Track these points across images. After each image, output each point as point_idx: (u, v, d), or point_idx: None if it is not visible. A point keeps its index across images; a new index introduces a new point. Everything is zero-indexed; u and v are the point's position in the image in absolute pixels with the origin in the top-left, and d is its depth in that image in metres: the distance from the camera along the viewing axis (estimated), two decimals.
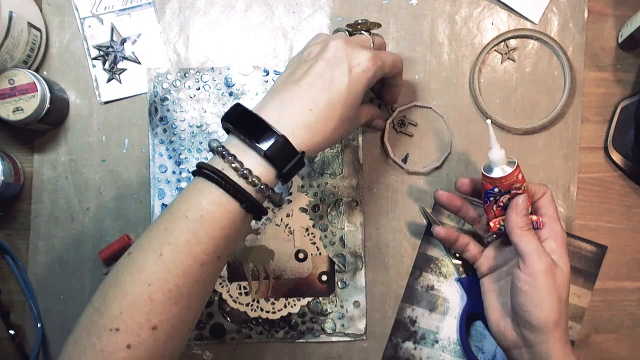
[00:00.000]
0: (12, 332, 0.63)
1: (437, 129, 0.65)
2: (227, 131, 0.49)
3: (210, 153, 0.48)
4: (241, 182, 0.45)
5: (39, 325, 0.62)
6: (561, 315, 0.50)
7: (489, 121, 0.54)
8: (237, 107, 0.48)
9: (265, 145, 0.45)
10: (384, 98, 0.62)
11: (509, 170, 0.52)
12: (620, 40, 0.64)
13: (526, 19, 0.65)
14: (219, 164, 0.46)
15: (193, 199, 0.45)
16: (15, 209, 0.64)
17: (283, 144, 0.46)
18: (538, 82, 0.65)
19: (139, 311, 0.42)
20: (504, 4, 0.65)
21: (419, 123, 0.65)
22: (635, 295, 0.64)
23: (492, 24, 0.65)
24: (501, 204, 0.54)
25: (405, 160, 0.65)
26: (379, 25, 0.54)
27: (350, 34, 0.53)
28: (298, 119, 0.47)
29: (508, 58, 0.65)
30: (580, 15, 0.65)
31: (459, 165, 0.64)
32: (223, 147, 0.46)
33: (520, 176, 0.53)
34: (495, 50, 0.65)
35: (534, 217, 0.54)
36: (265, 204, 0.48)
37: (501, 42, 0.65)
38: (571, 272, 0.63)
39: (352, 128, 0.53)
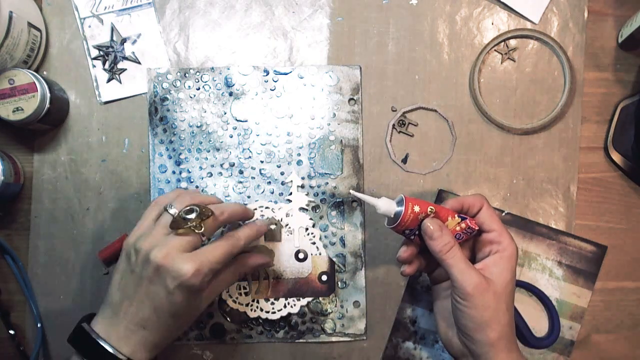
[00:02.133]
0: (12, 332, 0.63)
1: (440, 131, 0.65)
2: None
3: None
4: None
5: (39, 325, 0.62)
6: (502, 328, 0.50)
7: (352, 191, 0.55)
8: (79, 328, 0.51)
9: None
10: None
11: (401, 210, 0.51)
12: (620, 40, 0.64)
13: (526, 19, 0.65)
14: None
15: None
16: (15, 209, 0.64)
17: None
18: (538, 82, 0.65)
19: None
20: (504, 4, 0.65)
21: (422, 125, 0.65)
22: (635, 295, 0.64)
23: (492, 24, 0.65)
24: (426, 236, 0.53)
25: (405, 160, 0.65)
26: (210, 213, 0.52)
27: (178, 227, 0.51)
28: (138, 341, 0.50)
29: (508, 58, 0.65)
30: (580, 15, 0.65)
31: (459, 165, 0.64)
32: None
33: (416, 208, 0.51)
34: (495, 50, 0.65)
35: (462, 225, 0.53)
36: None
37: (501, 42, 0.65)
38: (571, 272, 0.63)
39: (198, 314, 0.54)
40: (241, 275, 0.57)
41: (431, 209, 0.52)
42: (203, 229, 0.51)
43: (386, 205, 0.52)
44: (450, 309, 0.53)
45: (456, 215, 0.53)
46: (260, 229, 0.58)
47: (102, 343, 0.49)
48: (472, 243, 0.56)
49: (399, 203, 0.52)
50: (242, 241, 0.54)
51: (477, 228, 0.53)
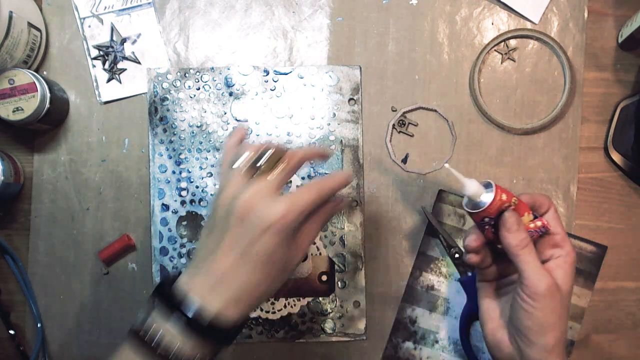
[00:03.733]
0: (12, 332, 0.63)
1: (440, 131, 0.65)
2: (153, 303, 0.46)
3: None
4: None
5: (39, 325, 0.62)
6: (561, 335, 0.49)
7: (447, 165, 0.51)
8: (167, 277, 0.47)
9: (187, 318, 0.43)
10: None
11: (490, 198, 0.49)
12: (620, 40, 0.64)
13: (526, 19, 0.65)
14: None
15: None
16: (15, 209, 0.64)
17: (210, 319, 0.44)
18: (538, 82, 0.65)
19: None
20: (504, 4, 0.65)
21: (422, 125, 0.65)
22: (635, 295, 0.64)
23: (492, 24, 0.65)
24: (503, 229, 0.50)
25: (405, 160, 0.65)
26: (283, 152, 0.49)
27: (255, 172, 0.48)
28: (225, 295, 0.44)
29: (508, 58, 0.65)
30: (580, 15, 0.65)
31: (459, 165, 0.64)
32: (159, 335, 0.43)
33: (504, 197, 0.49)
34: (495, 50, 0.65)
35: (538, 223, 0.50)
36: None
37: (501, 42, 0.65)
38: None
39: (293, 266, 0.49)
40: (327, 220, 0.53)
41: (515, 200, 0.49)
42: (281, 168, 0.47)
43: (475, 188, 0.49)
44: (502, 309, 0.52)
45: (531, 213, 0.50)
46: (345, 179, 0.51)
47: (189, 295, 0.44)
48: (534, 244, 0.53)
49: (487, 187, 0.49)
50: (328, 185, 0.49)
51: (550, 229, 0.50)
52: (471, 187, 0.49)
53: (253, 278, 0.45)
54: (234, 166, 0.47)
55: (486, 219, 0.50)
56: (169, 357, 0.43)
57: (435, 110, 0.64)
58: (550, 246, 0.51)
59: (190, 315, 0.43)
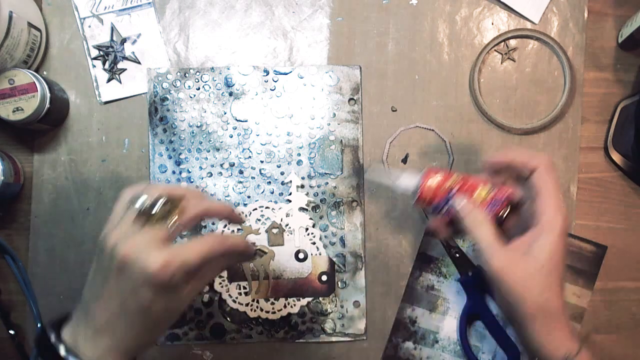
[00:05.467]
0: (12, 332, 0.63)
1: (437, 151, 0.64)
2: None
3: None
4: None
5: (39, 325, 0.62)
6: (543, 304, 0.48)
7: (368, 173, 0.52)
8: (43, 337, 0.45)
9: None
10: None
11: (420, 180, 0.49)
12: (620, 40, 0.64)
13: (526, 19, 0.65)
14: None
15: None
16: (15, 209, 0.64)
17: None
18: (538, 82, 0.65)
19: None
20: (504, 4, 0.65)
21: (419, 144, 0.64)
22: (635, 295, 0.64)
23: (492, 24, 0.65)
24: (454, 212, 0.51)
25: (405, 160, 0.65)
26: (178, 202, 0.46)
27: (145, 220, 0.45)
28: (104, 345, 0.44)
29: (508, 58, 0.65)
30: (580, 15, 0.65)
31: (459, 165, 0.64)
32: None
33: (436, 179, 0.49)
34: (495, 50, 0.65)
35: (492, 194, 0.49)
36: None
37: (501, 42, 0.65)
38: (571, 272, 0.63)
39: (174, 317, 0.48)
40: (225, 267, 0.52)
41: (456, 177, 0.49)
42: (172, 221, 0.45)
43: (405, 181, 0.49)
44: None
45: (488, 184, 0.49)
46: (245, 247, 0.50)
47: (61, 352, 0.44)
48: (526, 211, 0.51)
49: (419, 175, 0.49)
50: (228, 241, 0.48)
51: (505, 199, 0.49)
52: (403, 180, 0.49)
53: (131, 330, 0.44)
54: (132, 206, 0.46)
55: (435, 206, 0.49)
56: None
57: (432, 130, 0.64)
58: (532, 214, 0.49)
59: None
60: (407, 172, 0.50)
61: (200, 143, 0.64)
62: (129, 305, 0.44)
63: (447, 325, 0.63)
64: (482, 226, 0.49)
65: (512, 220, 0.52)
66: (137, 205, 0.45)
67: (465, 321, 0.62)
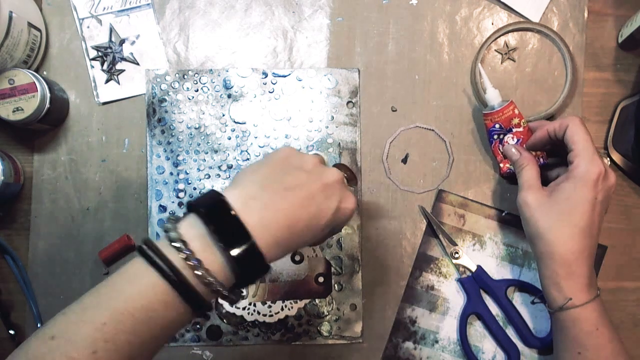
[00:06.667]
0: (12, 332, 0.63)
1: (437, 151, 0.65)
2: (189, 210, 0.43)
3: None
4: (196, 282, 0.40)
5: (39, 325, 0.62)
6: (561, 247, 0.54)
7: (479, 65, 0.62)
8: (214, 196, 0.42)
9: (235, 251, 0.40)
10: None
11: (504, 104, 0.60)
12: (620, 40, 0.64)
13: (526, 18, 0.65)
14: (174, 256, 0.40)
15: (143, 293, 0.39)
16: (15, 209, 0.64)
17: (255, 256, 0.41)
18: (538, 81, 0.65)
19: None
20: (504, 4, 0.65)
21: (419, 144, 0.65)
22: (635, 295, 0.64)
23: (492, 24, 0.65)
24: (506, 144, 0.61)
25: (405, 160, 0.65)
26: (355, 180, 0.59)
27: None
28: (275, 234, 0.42)
29: (508, 58, 0.65)
30: (580, 15, 0.65)
31: (459, 165, 0.64)
32: (182, 241, 0.40)
33: (516, 111, 0.60)
34: (495, 50, 0.65)
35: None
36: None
37: (502, 35, 0.64)
38: None
39: (320, 241, 0.51)
40: None
41: (524, 122, 0.61)
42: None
43: (494, 94, 0.61)
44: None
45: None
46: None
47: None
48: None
49: (505, 101, 0.61)
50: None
51: (541, 159, 0.60)
52: (492, 92, 0.61)
53: (302, 234, 0.44)
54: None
55: (497, 126, 0.61)
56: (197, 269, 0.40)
57: (432, 130, 0.64)
58: (567, 164, 0.56)
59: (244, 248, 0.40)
60: (497, 92, 0.61)
61: (199, 145, 0.64)
62: (311, 216, 0.44)
63: (447, 325, 0.63)
64: (527, 166, 0.57)
65: (557, 171, 0.60)
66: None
67: (465, 321, 0.62)
